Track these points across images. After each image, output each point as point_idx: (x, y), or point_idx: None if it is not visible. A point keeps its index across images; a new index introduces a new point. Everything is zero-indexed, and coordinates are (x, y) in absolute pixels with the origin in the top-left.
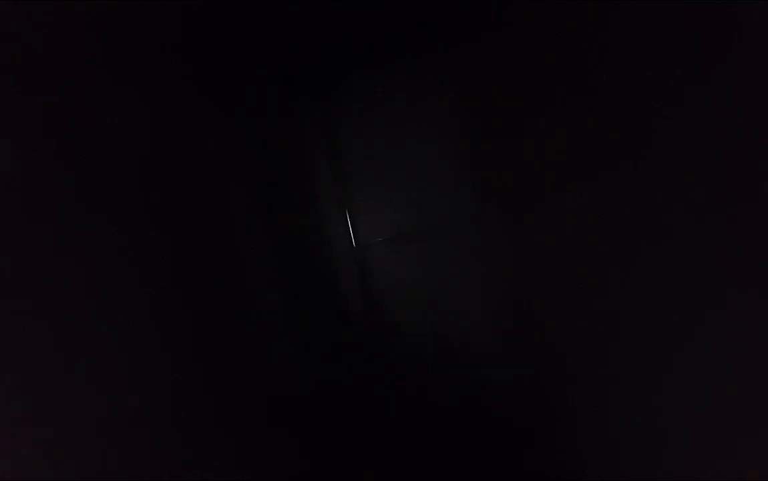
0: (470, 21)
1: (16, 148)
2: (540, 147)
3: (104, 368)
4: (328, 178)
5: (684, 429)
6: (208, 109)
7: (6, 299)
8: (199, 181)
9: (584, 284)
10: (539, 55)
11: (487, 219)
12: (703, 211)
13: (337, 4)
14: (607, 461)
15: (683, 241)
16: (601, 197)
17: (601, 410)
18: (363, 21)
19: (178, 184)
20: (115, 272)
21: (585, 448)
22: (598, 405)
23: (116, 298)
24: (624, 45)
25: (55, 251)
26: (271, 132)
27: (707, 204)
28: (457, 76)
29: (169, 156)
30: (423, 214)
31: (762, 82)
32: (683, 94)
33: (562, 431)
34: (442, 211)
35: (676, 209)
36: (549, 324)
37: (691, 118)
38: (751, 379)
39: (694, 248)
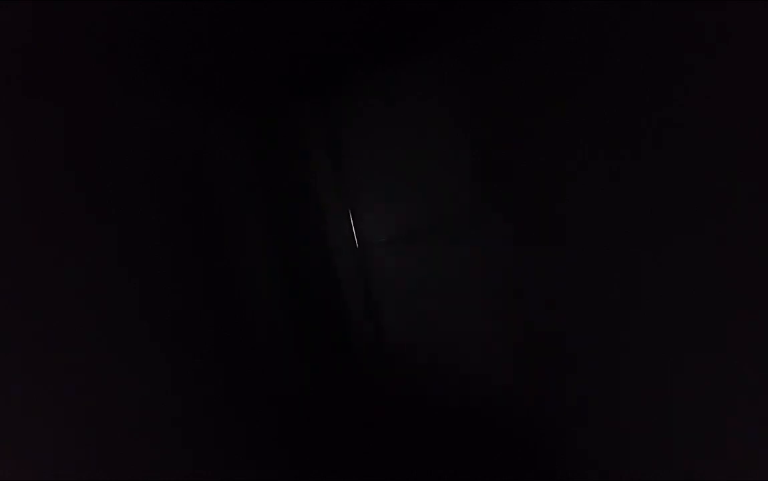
0: (471, 21)
1: (24, 153)
2: (541, 147)
3: (104, 369)
4: (331, 178)
5: (694, 431)
6: (210, 109)
7: (6, 299)
8: (200, 181)
9: (586, 283)
10: (540, 56)
11: (489, 218)
12: (703, 214)
13: (338, 5)
14: (614, 463)
15: (684, 241)
16: (602, 198)
17: (609, 412)
18: (363, 21)
19: (180, 183)
20: (116, 271)
21: (591, 448)
22: (606, 406)
23: (116, 298)
24: (625, 45)
25: (57, 253)
26: (272, 132)
27: (708, 206)
28: (457, 76)
29: (171, 156)
30: (425, 214)
31: (762, 82)
32: (683, 96)
33: (567, 432)
34: (444, 211)
35: (677, 210)
36: (551, 324)
37: (692, 120)
38: (756, 382)
39: (695, 248)
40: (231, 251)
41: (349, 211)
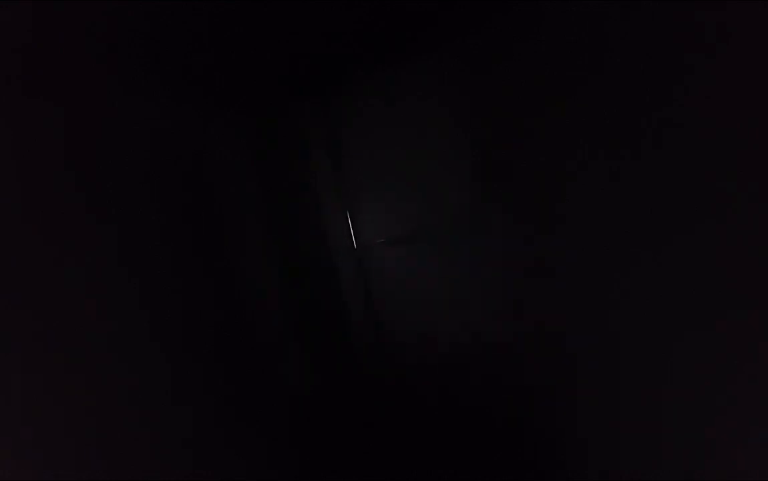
0: (471, 21)
1: (24, 153)
2: (541, 147)
3: (104, 369)
4: (330, 178)
5: (694, 431)
6: (210, 109)
7: (6, 299)
8: (200, 181)
9: (586, 284)
10: (540, 56)
11: (489, 219)
12: (703, 214)
13: (338, 5)
14: (614, 462)
15: (684, 241)
16: (602, 198)
17: (609, 411)
18: (363, 21)
19: (180, 183)
20: (116, 271)
21: (590, 448)
22: (605, 406)
23: (116, 298)
24: (625, 45)
25: (57, 253)
26: (272, 132)
27: (708, 206)
28: (457, 76)
29: (171, 156)
30: (425, 214)
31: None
32: (683, 96)
33: (567, 432)
34: (443, 211)
35: (677, 210)
36: (551, 324)
37: (692, 120)
38: (756, 382)
39: (695, 248)
40: (231, 251)
41: (347, 212)
